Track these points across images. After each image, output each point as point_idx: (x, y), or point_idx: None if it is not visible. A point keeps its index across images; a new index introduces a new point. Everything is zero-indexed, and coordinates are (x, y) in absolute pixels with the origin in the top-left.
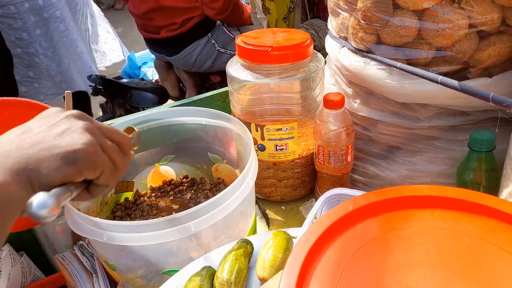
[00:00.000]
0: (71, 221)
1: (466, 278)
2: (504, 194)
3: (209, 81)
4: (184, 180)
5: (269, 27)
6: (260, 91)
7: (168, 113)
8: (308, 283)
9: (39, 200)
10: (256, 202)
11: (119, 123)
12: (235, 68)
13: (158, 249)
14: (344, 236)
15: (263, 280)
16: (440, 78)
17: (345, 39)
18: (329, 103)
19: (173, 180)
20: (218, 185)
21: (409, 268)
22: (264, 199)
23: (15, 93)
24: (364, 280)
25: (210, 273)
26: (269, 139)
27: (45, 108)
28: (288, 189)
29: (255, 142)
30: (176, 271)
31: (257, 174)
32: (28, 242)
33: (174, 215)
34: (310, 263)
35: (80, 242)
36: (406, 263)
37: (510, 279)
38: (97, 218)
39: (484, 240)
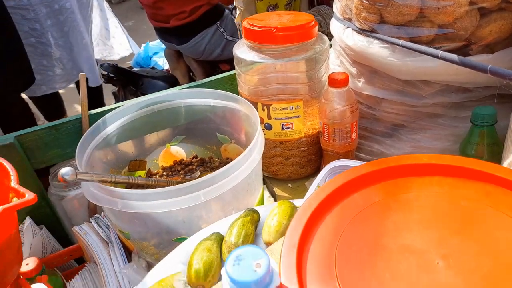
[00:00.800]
0: (87, 191)
1: (461, 236)
2: (505, 166)
3: (218, 69)
4: (194, 160)
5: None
6: (266, 71)
7: (178, 95)
8: (310, 242)
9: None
10: (264, 183)
11: (130, 105)
12: (242, 50)
13: (170, 218)
14: (345, 201)
15: (268, 244)
16: (441, 53)
17: (349, 20)
18: (333, 81)
19: (183, 160)
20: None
21: (406, 228)
22: (272, 177)
23: (31, 80)
24: (362, 240)
25: (219, 238)
26: (275, 118)
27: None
28: (294, 167)
29: (262, 122)
30: (187, 238)
31: (265, 153)
32: (47, 217)
33: (185, 183)
34: (312, 224)
35: (96, 215)
36: (403, 224)
37: (504, 237)
38: (112, 187)
39: (480, 203)
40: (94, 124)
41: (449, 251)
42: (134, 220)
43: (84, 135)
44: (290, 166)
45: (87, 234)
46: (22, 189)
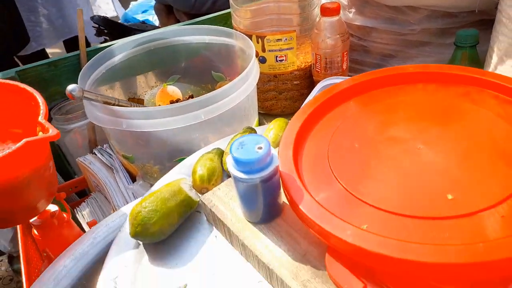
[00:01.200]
0: (92, 115)
1: (441, 127)
2: None
3: None
4: (190, 99)
5: None
6: (260, 2)
7: (173, 32)
8: (305, 141)
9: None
10: (260, 123)
11: (124, 42)
12: None
13: (172, 138)
14: (337, 109)
15: None
16: None
17: None
18: (326, 10)
19: (179, 99)
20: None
21: (391, 124)
22: (266, 113)
23: (26, 38)
24: (352, 136)
25: (219, 152)
26: (269, 50)
27: (28, 92)
28: (288, 102)
29: (256, 55)
30: None
31: (259, 88)
32: None
33: (186, 101)
34: (307, 127)
35: (98, 146)
36: (389, 121)
37: (480, 125)
38: (116, 107)
39: (460, 100)
40: (92, 59)
41: (430, 138)
42: (138, 141)
43: (82, 69)
44: (284, 101)
45: (91, 163)
46: (47, 124)
